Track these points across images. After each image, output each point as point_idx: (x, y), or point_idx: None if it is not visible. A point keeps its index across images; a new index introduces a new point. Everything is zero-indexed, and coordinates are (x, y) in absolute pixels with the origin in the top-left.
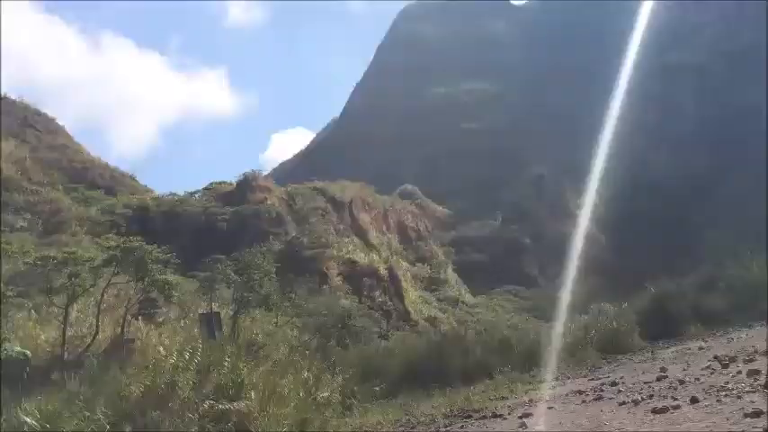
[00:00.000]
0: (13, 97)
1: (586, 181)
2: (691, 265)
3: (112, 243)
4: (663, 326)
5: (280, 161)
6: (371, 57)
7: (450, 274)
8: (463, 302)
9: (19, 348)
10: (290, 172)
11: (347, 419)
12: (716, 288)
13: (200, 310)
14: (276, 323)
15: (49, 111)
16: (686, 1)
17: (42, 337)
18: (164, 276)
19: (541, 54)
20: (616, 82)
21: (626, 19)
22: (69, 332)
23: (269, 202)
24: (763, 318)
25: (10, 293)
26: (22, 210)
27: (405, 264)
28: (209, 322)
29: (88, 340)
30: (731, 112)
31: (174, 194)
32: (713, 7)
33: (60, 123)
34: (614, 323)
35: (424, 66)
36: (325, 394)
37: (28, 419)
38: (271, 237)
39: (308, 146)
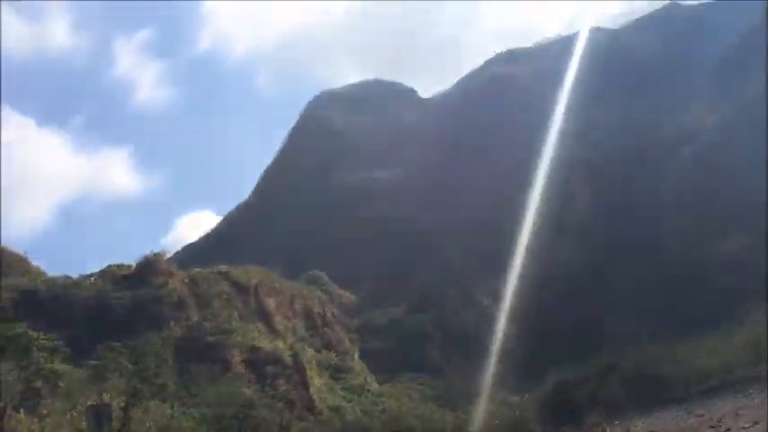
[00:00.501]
0: None
1: (496, 270)
2: (592, 352)
3: None
4: (564, 414)
5: (184, 244)
6: (281, 142)
7: (357, 362)
8: (369, 391)
9: None
10: (194, 255)
11: None
12: (615, 376)
13: (89, 402)
14: (172, 415)
15: None
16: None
17: None
18: (50, 365)
19: (447, 145)
20: (521, 172)
21: (529, 113)
22: None
23: (170, 285)
24: (660, 404)
25: None
26: None
27: (310, 351)
28: (98, 415)
29: None
30: (625, 202)
31: (68, 277)
32: (609, 106)
33: None
34: (517, 412)
35: (335, 153)
36: None
37: None
38: (171, 322)
39: (214, 229)
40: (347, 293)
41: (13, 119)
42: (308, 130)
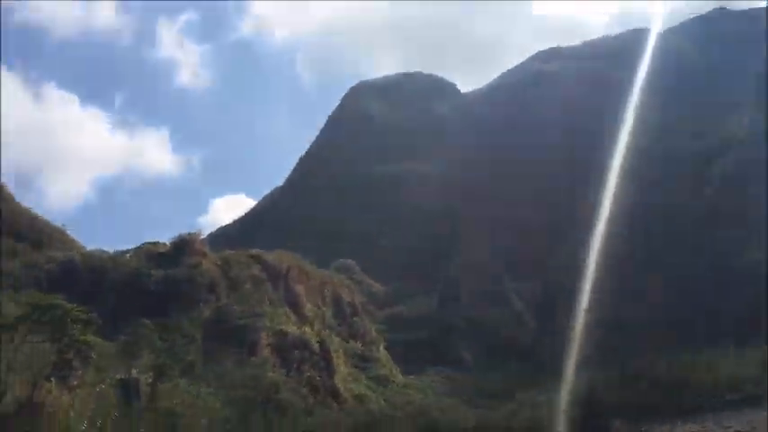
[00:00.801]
0: None
1: (527, 269)
2: (622, 357)
3: (31, 299)
4: (591, 418)
5: (218, 226)
6: (318, 130)
7: (383, 353)
8: (394, 382)
9: None
10: (227, 238)
11: None
12: (643, 382)
13: (119, 376)
14: (198, 393)
15: None
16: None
17: None
18: (84, 337)
19: (484, 140)
20: (560, 172)
21: (571, 112)
22: None
23: (203, 266)
24: (686, 413)
25: None
26: None
27: (337, 339)
28: (127, 389)
29: None
30: (665, 208)
31: (104, 252)
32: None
33: None
34: (544, 411)
35: (371, 143)
36: None
37: None
38: (201, 303)
39: (249, 213)
40: (377, 284)
41: (58, 95)
42: (345, 119)
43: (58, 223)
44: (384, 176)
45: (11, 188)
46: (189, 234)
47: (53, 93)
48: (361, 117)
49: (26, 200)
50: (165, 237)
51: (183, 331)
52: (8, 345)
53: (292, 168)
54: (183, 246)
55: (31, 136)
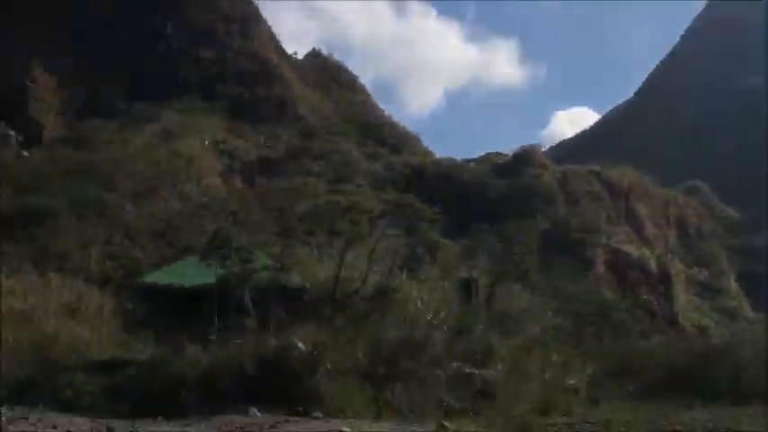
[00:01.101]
0: (324, 53)
1: None
2: None
3: (390, 198)
4: None
5: (559, 139)
6: (674, 42)
7: (732, 284)
8: (743, 317)
9: (299, 280)
10: (568, 152)
11: (593, 412)
12: None
13: (460, 275)
14: (532, 300)
15: (353, 68)
16: None
17: (320, 274)
18: (431, 236)
19: None
20: None
21: None
22: (343, 273)
23: (543, 179)
24: None
25: (298, 230)
26: (318, 157)
27: (679, 264)
28: (467, 288)
29: (358, 284)
30: None
31: (452, 159)
32: None
33: (361, 81)
34: None
35: (738, 53)
36: (573, 381)
37: (299, 344)
38: (539, 214)
39: (592, 127)
40: (730, 210)
41: (418, 8)
42: (706, 28)
43: (413, 130)
44: (751, 90)
45: (375, 97)
46: (531, 146)
47: (413, 6)
48: (726, 24)
49: (388, 108)
50: (508, 147)
51: (521, 240)
52: (370, 238)
53: (643, 81)
54: (525, 157)
55: (393, 48)
